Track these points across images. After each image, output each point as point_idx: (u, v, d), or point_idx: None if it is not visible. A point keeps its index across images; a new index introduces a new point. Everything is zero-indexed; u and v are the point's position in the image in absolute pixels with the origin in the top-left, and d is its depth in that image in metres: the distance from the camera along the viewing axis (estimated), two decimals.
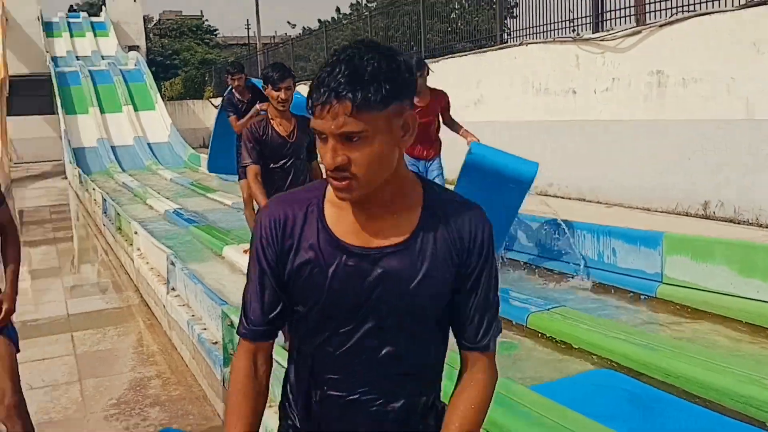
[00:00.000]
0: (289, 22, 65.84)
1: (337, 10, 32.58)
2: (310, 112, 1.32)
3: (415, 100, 5.66)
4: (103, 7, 34.51)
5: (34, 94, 29.40)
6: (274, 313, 1.47)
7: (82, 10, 38.13)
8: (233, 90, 7.39)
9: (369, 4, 31.35)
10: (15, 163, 24.46)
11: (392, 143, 1.33)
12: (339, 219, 1.42)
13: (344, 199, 1.36)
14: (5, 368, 2.79)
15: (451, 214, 1.43)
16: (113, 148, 21.05)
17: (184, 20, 54.28)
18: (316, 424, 1.50)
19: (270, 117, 4.51)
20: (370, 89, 1.26)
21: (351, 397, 1.45)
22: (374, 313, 1.41)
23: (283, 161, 4.48)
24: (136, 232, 7.39)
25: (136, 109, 23.21)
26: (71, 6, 45.03)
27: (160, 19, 54.65)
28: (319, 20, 32.33)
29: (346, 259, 1.39)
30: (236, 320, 1.88)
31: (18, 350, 3.00)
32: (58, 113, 23.47)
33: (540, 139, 9.91)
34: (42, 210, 14.06)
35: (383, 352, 1.43)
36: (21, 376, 3.02)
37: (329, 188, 1.41)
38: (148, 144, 21.77)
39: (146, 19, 41.08)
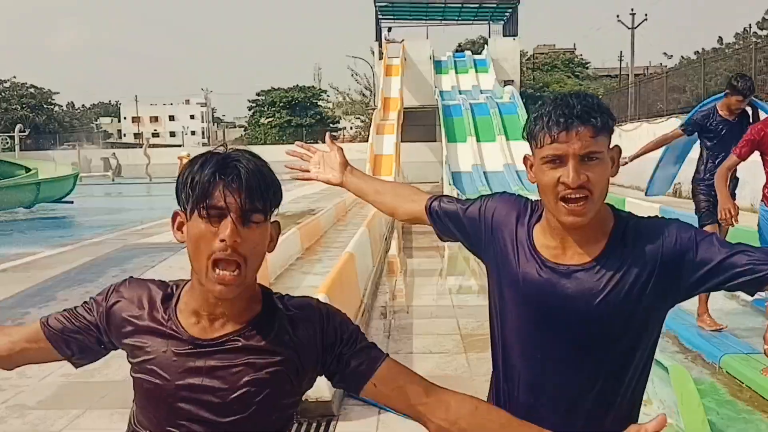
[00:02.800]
0: (665, 53, 63.53)
1: (720, 40, 30.91)
2: (545, 140, 1.50)
3: None
4: (485, 45, 37.76)
5: (421, 123, 33.52)
6: None
7: (466, 49, 42.10)
8: (717, 106, 5.62)
9: (761, 32, 29.11)
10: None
11: (609, 170, 1.52)
12: (542, 235, 1.62)
13: (576, 224, 1.51)
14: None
15: (643, 233, 1.55)
16: (485, 173, 23.17)
17: (557, 54, 56.11)
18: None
19: None
20: (604, 117, 1.49)
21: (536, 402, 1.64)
22: (560, 323, 1.56)
23: None
24: None
25: (507, 139, 25.10)
26: (458, 45, 49.93)
27: (533, 54, 57.29)
28: (697, 51, 31.02)
29: (539, 269, 1.58)
30: None
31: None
32: (440, 141, 26.53)
33: None
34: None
35: (565, 359, 1.58)
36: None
37: (545, 213, 1.62)
38: (516, 171, 23.40)
39: (521, 54, 43.51)
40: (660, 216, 1.61)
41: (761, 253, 1.49)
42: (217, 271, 1.33)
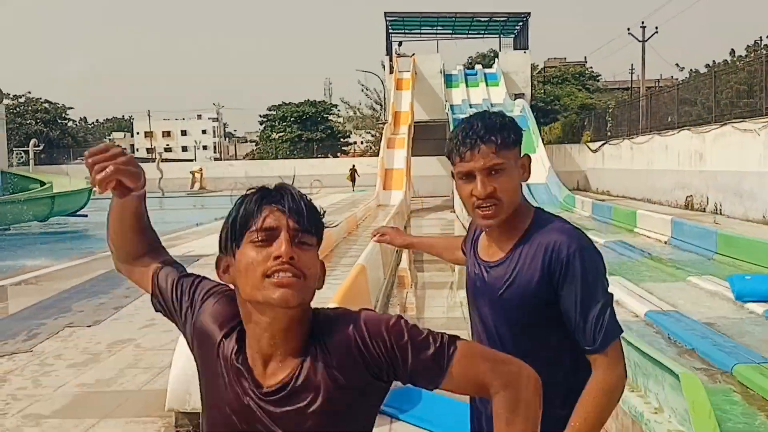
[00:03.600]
0: (677, 65, 63.40)
1: (732, 52, 30.91)
2: (456, 159, 1.72)
3: None
4: (495, 59, 37.89)
5: (431, 137, 33.58)
6: None
7: (477, 63, 42.27)
8: None
9: None
10: (413, 197, 28.17)
11: (518, 177, 1.74)
12: (483, 239, 1.88)
13: (489, 226, 1.76)
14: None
15: (544, 233, 1.72)
16: None
17: (567, 67, 56.19)
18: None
19: None
20: (504, 133, 1.70)
21: None
22: (487, 310, 1.82)
23: None
24: None
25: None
26: (469, 59, 50.13)
27: (544, 67, 57.35)
28: (708, 64, 31.03)
29: (476, 266, 1.86)
30: None
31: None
32: None
33: None
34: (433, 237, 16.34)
35: (494, 337, 1.80)
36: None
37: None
38: (527, 184, 23.41)
39: (531, 67, 43.62)
40: (576, 230, 1.74)
41: (591, 331, 1.66)
42: (275, 276, 1.25)
